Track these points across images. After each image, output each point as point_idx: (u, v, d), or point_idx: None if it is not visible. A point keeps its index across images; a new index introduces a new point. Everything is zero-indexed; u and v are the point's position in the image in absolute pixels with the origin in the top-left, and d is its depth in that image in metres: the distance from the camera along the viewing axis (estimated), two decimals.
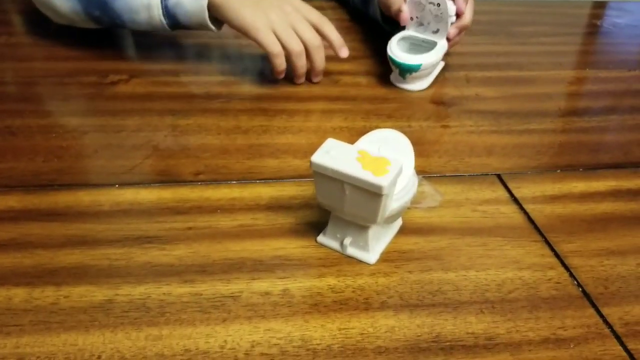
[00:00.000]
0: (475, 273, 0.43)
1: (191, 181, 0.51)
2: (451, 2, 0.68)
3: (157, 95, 0.65)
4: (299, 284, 0.41)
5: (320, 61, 0.68)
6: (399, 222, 0.47)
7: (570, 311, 0.41)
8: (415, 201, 0.47)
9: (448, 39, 0.70)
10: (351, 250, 0.43)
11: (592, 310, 0.41)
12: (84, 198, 0.47)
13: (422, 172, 0.54)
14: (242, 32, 0.65)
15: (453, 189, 0.52)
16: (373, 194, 0.38)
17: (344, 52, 0.69)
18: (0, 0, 0.86)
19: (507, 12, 1.00)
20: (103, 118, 0.59)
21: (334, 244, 0.44)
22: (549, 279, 0.43)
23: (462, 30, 0.72)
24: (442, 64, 0.74)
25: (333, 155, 0.40)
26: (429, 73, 0.71)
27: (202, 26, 0.68)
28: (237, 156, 0.55)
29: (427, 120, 0.64)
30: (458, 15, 0.70)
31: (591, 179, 0.56)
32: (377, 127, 0.61)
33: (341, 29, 0.87)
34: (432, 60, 0.68)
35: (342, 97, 0.68)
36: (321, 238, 0.45)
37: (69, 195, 0.47)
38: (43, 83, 0.65)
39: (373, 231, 0.43)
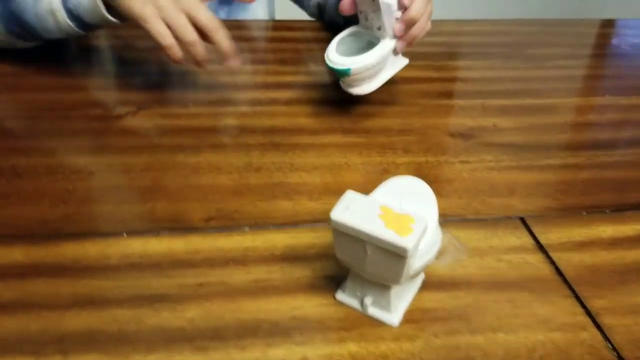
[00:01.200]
0: (504, 336, 0.41)
1: (202, 228, 0.49)
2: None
3: (166, 129, 0.63)
4: (318, 351, 0.38)
5: (225, 41, 0.63)
6: (421, 277, 0.44)
7: None
8: (439, 256, 0.45)
9: (397, 37, 0.63)
10: (372, 311, 0.41)
11: None
12: (92, 249, 0.45)
13: (443, 215, 0.52)
14: (134, 22, 0.62)
15: (476, 235, 0.50)
16: (397, 254, 0.36)
17: (234, 61, 0.64)
18: None
19: (520, 32, 0.98)
20: (111, 156, 0.57)
21: (354, 303, 0.42)
22: (582, 342, 0.41)
23: (410, 24, 0.63)
24: (403, 62, 0.67)
25: (353, 210, 0.38)
26: (374, 74, 0.63)
27: (105, 21, 0.65)
28: (250, 197, 0.53)
29: (445, 154, 0.62)
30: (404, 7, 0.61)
31: (619, 221, 0.53)
32: (393, 162, 0.60)
33: None
34: (364, 63, 0.60)
35: (355, 130, 0.65)
36: (340, 295, 0.43)
37: (76, 246, 0.45)
38: (48, 117, 0.63)
39: (395, 290, 0.40)
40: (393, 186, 0.44)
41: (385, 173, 0.58)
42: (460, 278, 0.45)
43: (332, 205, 0.51)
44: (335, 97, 0.72)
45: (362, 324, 0.41)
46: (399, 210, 0.38)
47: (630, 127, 0.71)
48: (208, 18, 0.62)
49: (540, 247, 0.49)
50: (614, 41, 1.00)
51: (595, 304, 0.44)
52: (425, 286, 0.44)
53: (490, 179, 0.58)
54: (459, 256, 0.48)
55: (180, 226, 0.49)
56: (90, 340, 0.38)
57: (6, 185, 0.52)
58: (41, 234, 0.46)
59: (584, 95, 0.79)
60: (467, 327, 0.41)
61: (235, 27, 0.92)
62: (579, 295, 0.44)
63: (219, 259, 0.46)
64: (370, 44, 0.63)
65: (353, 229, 0.37)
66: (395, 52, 0.65)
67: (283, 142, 0.62)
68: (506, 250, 0.49)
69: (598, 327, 0.42)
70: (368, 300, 0.41)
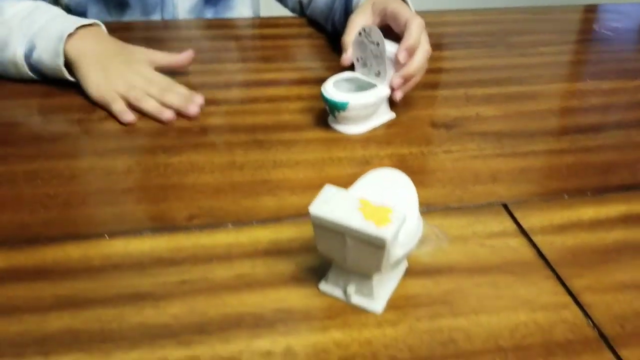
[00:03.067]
0: (486, 317, 0.41)
1: (185, 227, 0.49)
2: (392, 44, 0.63)
3: (147, 131, 0.62)
4: (303, 341, 0.38)
5: (177, 99, 0.66)
6: (404, 265, 0.45)
7: (587, 356, 0.38)
8: (421, 245, 0.45)
9: (392, 88, 0.63)
10: (356, 299, 0.41)
11: (610, 355, 0.39)
12: (73, 252, 0.45)
13: (427, 205, 0.52)
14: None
15: (458, 222, 0.50)
16: (376, 245, 0.36)
17: (192, 110, 0.65)
18: None
19: (502, 20, 0.99)
20: (91, 159, 0.57)
21: (338, 293, 0.42)
22: (563, 320, 0.41)
23: (407, 79, 0.63)
24: (390, 115, 0.66)
25: (333, 205, 0.38)
26: (365, 116, 0.63)
27: (66, 78, 0.67)
28: (233, 195, 0.53)
29: (428, 145, 0.62)
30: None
31: (600, 204, 0.54)
32: (376, 155, 0.60)
33: (329, 48, 0.85)
34: (362, 101, 0.61)
35: None
36: (323, 286, 0.43)
37: (57, 249, 0.45)
38: (26, 122, 0.63)
39: (377, 279, 0.40)
40: (372, 179, 0.44)
41: (368, 166, 0.58)
42: (443, 264, 0.46)
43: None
44: (317, 94, 0.72)
45: (345, 313, 0.41)
46: (377, 203, 0.38)
47: (612, 111, 0.71)
48: (167, 82, 0.68)
49: (523, 231, 0.49)
50: (595, 26, 1.00)
51: (576, 283, 0.44)
52: (409, 273, 0.44)
53: (474, 168, 0.58)
54: (441, 244, 0.48)
55: (162, 226, 0.49)
56: (72, 340, 0.38)
57: None
58: (21, 239, 0.46)
59: (567, 81, 0.79)
60: (449, 311, 0.41)
61: (220, 26, 0.92)
62: (561, 275, 0.45)
63: (202, 256, 0.46)
64: (363, 89, 0.63)
65: (332, 223, 0.37)
66: (389, 99, 0.65)
67: (266, 139, 0.62)
68: (489, 236, 0.49)
69: (579, 305, 0.42)
70: (351, 290, 0.41)
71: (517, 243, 0.48)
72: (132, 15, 0.90)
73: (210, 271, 0.44)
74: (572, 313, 0.41)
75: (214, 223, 0.49)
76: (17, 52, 0.67)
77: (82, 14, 0.86)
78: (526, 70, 0.80)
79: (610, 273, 0.45)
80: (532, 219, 0.51)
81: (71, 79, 0.67)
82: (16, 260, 0.44)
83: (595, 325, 0.41)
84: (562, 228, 0.50)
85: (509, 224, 0.50)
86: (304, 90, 0.73)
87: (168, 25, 0.91)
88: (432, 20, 0.98)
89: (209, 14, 0.96)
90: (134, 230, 0.48)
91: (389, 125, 0.65)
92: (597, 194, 0.55)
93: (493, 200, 0.53)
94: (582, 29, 1.01)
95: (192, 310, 0.40)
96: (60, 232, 0.47)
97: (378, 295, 0.41)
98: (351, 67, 0.67)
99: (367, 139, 0.63)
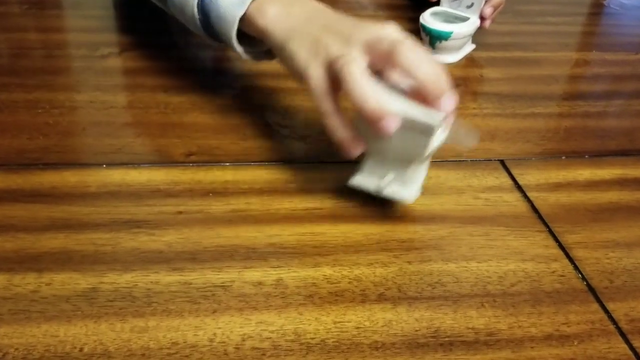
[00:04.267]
0: (476, 264, 0.41)
1: (183, 162, 0.49)
2: None
3: (150, 70, 0.62)
4: (294, 274, 0.39)
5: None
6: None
7: (575, 306, 0.39)
8: (454, 137, 0.43)
9: (482, 18, 0.71)
10: (390, 190, 0.43)
11: (596, 306, 0.39)
12: (70, 178, 0.45)
13: None
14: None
15: (455, 175, 0.50)
16: (423, 131, 0.38)
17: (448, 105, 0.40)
18: None
19: None
20: (92, 94, 0.57)
21: (371, 184, 0.43)
22: (553, 272, 0.41)
23: (496, 8, 0.72)
24: (472, 46, 0.74)
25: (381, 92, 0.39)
26: (459, 46, 0.70)
27: (229, 40, 0.50)
28: (232, 136, 0.53)
29: None
30: None
31: (597, 166, 0.54)
32: None
33: (328, 2, 0.84)
34: (463, 30, 0.68)
35: None
36: (356, 179, 0.44)
37: (55, 175, 0.45)
38: (31, 55, 0.63)
39: (414, 167, 0.42)
40: None
41: None
42: (437, 212, 0.46)
43: (316, 143, 0.51)
44: None
45: (337, 251, 0.41)
46: None
47: (614, 80, 0.71)
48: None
49: (518, 187, 0.50)
50: (605, 1, 0.99)
51: (568, 239, 0.44)
52: (403, 219, 0.45)
53: (473, 125, 0.58)
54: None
55: (160, 160, 0.49)
56: (66, 260, 0.38)
57: None
58: (19, 163, 0.46)
59: (571, 50, 0.78)
60: (440, 256, 0.42)
61: None
62: (553, 230, 0.45)
63: (198, 190, 0.46)
64: (447, 21, 0.70)
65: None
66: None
67: (268, 85, 0.61)
68: (484, 189, 0.49)
69: (570, 259, 0.43)
70: (388, 177, 0.42)
71: (512, 198, 0.48)
72: None
73: (207, 205, 0.44)
74: (562, 265, 0.42)
75: (212, 161, 0.49)
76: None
77: None
78: (532, 37, 0.80)
79: (603, 231, 0.46)
80: (528, 176, 0.51)
81: (236, 47, 0.50)
82: (13, 182, 0.44)
83: (584, 278, 0.41)
84: (558, 186, 0.50)
85: (504, 180, 0.51)
86: None
87: None
88: None
89: None
90: (132, 162, 0.48)
91: None
92: (594, 157, 0.55)
93: (490, 157, 0.53)
94: (590, 2, 1.00)
95: (187, 240, 0.41)
96: (58, 159, 0.47)
97: (412, 184, 0.43)
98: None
99: None
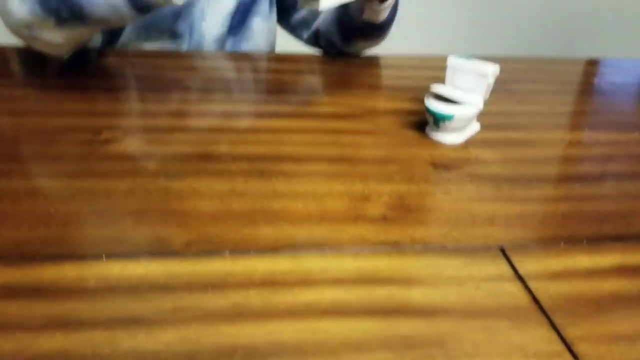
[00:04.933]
0: None
1: (182, 253, 0.49)
2: (483, 63, 0.72)
3: (151, 155, 0.63)
4: None
5: None
6: None
7: None
8: None
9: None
10: None
11: None
12: (70, 273, 0.45)
13: (423, 243, 0.52)
14: None
15: (455, 263, 0.50)
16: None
17: None
18: None
19: (505, 69, 1.00)
20: (94, 180, 0.57)
21: None
22: None
23: None
24: (477, 125, 0.75)
25: None
26: (464, 126, 0.72)
27: None
28: (231, 223, 0.53)
29: (427, 184, 0.63)
30: None
31: (595, 253, 0.54)
32: (375, 190, 0.60)
33: (336, 84, 0.87)
34: (466, 112, 0.70)
35: (341, 159, 0.66)
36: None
37: (54, 268, 0.45)
38: (33, 141, 0.64)
39: None
40: None
41: (367, 202, 0.58)
42: (439, 305, 0.46)
43: (315, 232, 0.51)
44: (320, 127, 0.73)
45: (338, 350, 0.41)
46: None
47: (609, 162, 0.72)
48: None
49: (519, 276, 0.50)
50: (596, 79, 1.02)
51: (570, 332, 0.44)
52: (404, 313, 0.44)
53: (472, 210, 0.59)
54: None
55: (160, 250, 0.49)
56: None
57: None
58: (19, 256, 0.46)
59: (566, 130, 0.80)
60: (444, 354, 0.41)
61: (234, 59, 0.93)
62: (555, 323, 0.45)
63: (197, 283, 0.45)
64: (454, 103, 0.71)
65: None
66: None
67: (267, 170, 0.62)
68: (485, 279, 0.49)
69: (573, 355, 0.42)
70: None
71: (513, 288, 0.48)
72: (160, 39, 0.93)
73: (205, 300, 0.44)
74: None
75: (211, 250, 0.49)
76: None
77: (115, 35, 0.88)
78: (526, 117, 0.82)
79: (605, 323, 0.45)
80: (528, 265, 0.51)
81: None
82: (12, 277, 0.44)
83: None
84: (558, 275, 0.50)
85: (505, 268, 0.51)
86: (307, 123, 0.74)
87: (182, 55, 0.92)
88: (436, 65, 1.00)
89: (229, 43, 0.99)
90: (132, 253, 0.48)
91: (389, 162, 0.66)
92: (593, 243, 0.55)
93: (490, 243, 0.54)
94: (582, 81, 1.03)
95: (185, 338, 0.40)
96: (58, 251, 0.47)
97: None
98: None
99: (367, 174, 0.63)
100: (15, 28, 0.71)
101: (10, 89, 0.76)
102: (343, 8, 0.97)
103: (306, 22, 1.07)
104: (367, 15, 0.92)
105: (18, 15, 0.69)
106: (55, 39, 0.72)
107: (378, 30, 0.98)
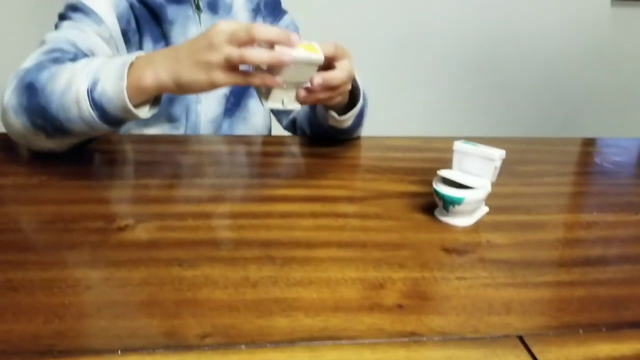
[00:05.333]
0: None
1: (197, 345, 0.48)
2: (488, 148, 0.74)
3: (164, 242, 0.63)
4: None
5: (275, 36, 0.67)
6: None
7: None
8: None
9: (309, 87, 0.73)
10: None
11: None
12: None
13: (442, 333, 0.52)
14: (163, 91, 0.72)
15: (475, 355, 0.50)
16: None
17: (294, 38, 0.67)
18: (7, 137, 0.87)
19: (508, 150, 1.02)
20: (108, 270, 0.57)
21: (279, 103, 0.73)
22: None
23: (327, 84, 0.74)
24: (486, 209, 0.76)
25: None
26: (473, 210, 0.73)
27: (126, 111, 0.71)
28: (246, 314, 0.53)
29: (441, 270, 0.62)
30: (329, 61, 0.74)
31: (615, 340, 0.53)
32: (389, 277, 0.60)
33: (341, 167, 0.88)
34: (475, 195, 0.71)
35: (351, 244, 0.66)
36: (268, 103, 0.72)
37: None
38: (48, 229, 0.64)
39: None
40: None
41: (381, 289, 0.58)
42: None
43: (331, 322, 0.51)
44: (330, 211, 0.74)
45: None
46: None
47: (619, 244, 0.72)
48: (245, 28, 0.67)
49: None
50: (597, 159, 1.04)
51: None
52: None
53: (488, 297, 0.58)
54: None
55: (175, 343, 0.48)
56: None
57: (0, 300, 0.52)
58: (34, 350, 0.46)
59: (573, 212, 0.81)
60: None
61: (235, 142, 0.95)
62: None
63: None
64: (461, 186, 0.73)
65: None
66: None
67: (279, 256, 0.62)
68: None
69: None
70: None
71: None
72: (158, 123, 0.95)
73: None
74: None
75: (227, 343, 0.49)
76: (80, 89, 0.70)
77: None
78: (532, 199, 0.83)
79: None
80: (548, 354, 0.50)
81: (134, 110, 0.71)
82: None
83: None
84: None
85: (525, 358, 0.50)
86: (316, 207, 0.74)
87: (186, 139, 0.94)
88: (440, 146, 1.02)
89: (226, 124, 1.01)
90: (147, 347, 0.47)
91: (401, 247, 0.66)
92: (612, 330, 0.55)
93: (509, 332, 0.53)
94: (582, 161, 1.05)
95: None
96: (72, 345, 0.47)
97: None
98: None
99: (379, 260, 0.63)
100: (14, 137, 0.80)
101: (25, 177, 0.77)
102: (311, 108, 0.99)
103: (285, 110, 1.10)
104: (331, 122, 0.94)
105: (14, 128, 0.77)
106: (50, 146, 0.79)
107: (345, 134, 1.00)
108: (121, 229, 0.65)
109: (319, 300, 0.55)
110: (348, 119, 0.92)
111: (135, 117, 0.72)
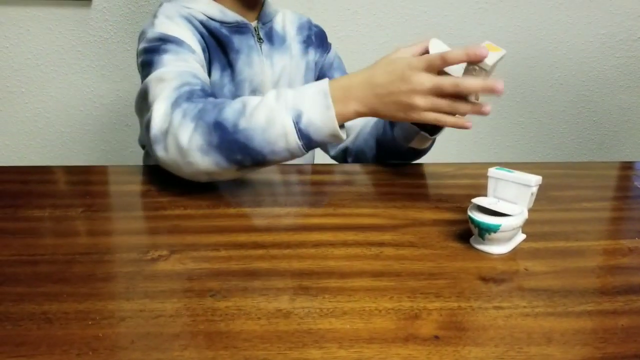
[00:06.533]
0: None
1: None
2: (526, 174, 0.73)
3: (197, 273, 0.63)
4: None
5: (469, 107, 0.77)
6: None
7: None
8: None
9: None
10: None
11: None
12: None
13: None
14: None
15: None
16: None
17: (488, 109, 0.76)
18: (48, 170, 0.89)
19: (543, 175, 1.00)
20: (142, 301, 0.58)
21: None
22: None
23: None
24: (523, 236, 0.75)
25: None
26: (510, 237, 0.71)
27: (334, 136, 0.77)
28: (279, 345, 0.52)
29: (478, 299, 0.61)
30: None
31: None
32: (425, 307, 0.59)
33: (374, 195, 0.88)
34: (511, 222, 0.69)
35: (386, 273, 0.65)
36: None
37: None
38: (83, 261, 0.65)
39: None
40: None
41: (417, 319, 0.57)
42: None
43: (365, 354, 0.50)
44: (363, 239, 0.73)
45: None
46: None
47: None
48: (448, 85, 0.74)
49: None
50: (636, 183, 1.01)
51: None
52: None
53: (527, 327, 0.56)
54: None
55: None
56: None
57: (35, 332, 0.52)
58: None
59: (613, 238, 0.78)
60: None
61: (265, 171, 0.96)
62: None
63: None
64: (496, 214, 0.71)
65: None
66: None
67: (312, 286, 0.62)
68: None
69: None
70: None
71: None
72: None
73: None
74: None
75: None
76: (285, 123, 0.75)
77: None
78: (571, 225, 0.80)
79: None
80: None
81: (344, 136, 0.78)
82: None
83: None
84: None
85: None
86: (350, 236, 0.74)
87: None
88: (473, 172, 1.01)
89: None
90: None
91: (437, 276, 0.65)
92: None
93: None
94: (621, 185, 1.02)
95: None
96: None
97: None
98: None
99: (414, 290, 0.62)
100: (193, 176, 0.81)
101: (61, 209, 0.78)
102: (382, 132, 1.02)
103: None
104: (414, 144, 0.98)
105: (199, 167, 0.78)
106: (233, 177, 0.84)
107: (419, 156, 1.04)
108: (155, 260, 0.65)
109: (353, 331, 0.54)
110: (435, 138, 0.98)
111: (341, 141, 0.79)
